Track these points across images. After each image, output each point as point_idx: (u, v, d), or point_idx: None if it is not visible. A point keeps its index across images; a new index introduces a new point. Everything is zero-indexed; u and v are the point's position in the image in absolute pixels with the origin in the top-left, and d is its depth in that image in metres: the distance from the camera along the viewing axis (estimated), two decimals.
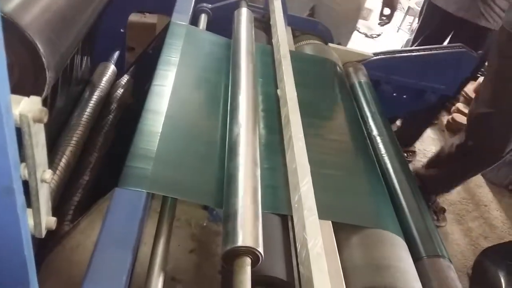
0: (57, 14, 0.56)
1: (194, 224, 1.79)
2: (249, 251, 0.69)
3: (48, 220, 0.41)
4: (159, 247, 0.75)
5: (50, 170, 0.38)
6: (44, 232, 0.41)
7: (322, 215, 0.76)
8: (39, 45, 0.49)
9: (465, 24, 2.00)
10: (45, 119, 0.33)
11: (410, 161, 2.51)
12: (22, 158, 0.35)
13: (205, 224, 1.80)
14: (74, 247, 1.52)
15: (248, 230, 0.71)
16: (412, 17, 4.19)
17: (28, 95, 0.34)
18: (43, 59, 0.49)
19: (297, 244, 0.71)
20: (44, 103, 0.55)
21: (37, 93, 0.50)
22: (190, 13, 1.41)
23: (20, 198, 0.33)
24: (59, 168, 1.09)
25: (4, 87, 0.27)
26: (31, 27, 0.48)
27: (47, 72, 0.50)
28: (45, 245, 0.98)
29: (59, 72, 0.58)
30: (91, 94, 1.34)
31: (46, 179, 0.37)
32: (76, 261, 1.51)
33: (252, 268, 0.68)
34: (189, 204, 1.83)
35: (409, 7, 4.18)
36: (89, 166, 1.21)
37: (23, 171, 0.35)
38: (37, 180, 0.36)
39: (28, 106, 0.32)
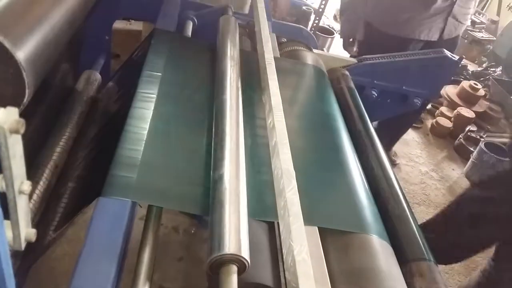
0: (38, 22, 0.55)
1: (182, 232, 1.79)
2: (235, 259, 0.68)
3: (27, 232, 0.40)
4: (145, 256, 0.74)
5: (28, 181, 0.37)
6: (23, 245, 0.40)
7: (308, 221, 0.76)
8: (16, 54, 0.48)
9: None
10: (22, 130, 0.33)
11: (394, 166, 2.53)
12: None
13: (193, 231, 1.80)
14: (60, 257, 1.51)
15: (234, 237, 0.71)
16: None
17: (5, 105, 0.33)
18: (21, 68, 0.48)
19: (283, 250, 0.71)
20: (26, 111, 0.55)
21: (16, 103, 0.50)
22: (175, 20, 1.42)
23: None
24: (43, 177, 1.07)
25: None
26: (9, 36, 0.48)
27: (25, 81, 0.49)
28: (30, 255, 0.96)
29: (39, 80, 0.57)
30: (75, 102, 1.32)
31: (24, 190, 0.37)
32: (62, 271, 1.49)
33: (238, 275, 0.68)
34: (177, 212, 1.82)
35: None
36: (74, 174, 1.19)
37: (0, 183, 0.34)
38: (14, 192, 0.36)
39: (5, 117, 0.32)
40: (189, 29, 1.46)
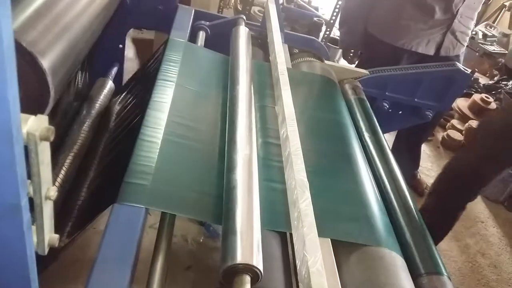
0: (61, 33, 0.57)
1: (190, 240, 1.79)
2: (249, 269, 0.68)
3: (51, 237, 0.41)
4: (158, 264, 0.74)
5: (54, 187, 0.38)
6: (47, 249, 0.41)
7: (321, 233, 0.76)
8: (43, 64, 0.49)
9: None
10: (52, 138, 0.34)
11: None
12: (28, 175, 0.35)
13: (201, 240, 1.80)
14: (71, 263, 1.51)
15: (247, 247, 0.71)
16: None
17: (31, 113, 0.34)
18: (47, 78, 0.49)
19: (296, 262, 0.71)
20: None
21: (40, 111, 0.51)
22: (188, 30, 1.43)
23: (26, 215, 0.33)
24: (57, 183, 1.08)
25: (15, 107, 0.27)
26: (36, 46, 0.49)
27: (51, 91, 0.50)
28: (41, 261, 0.97)
29: (62, 90, 0.59)
30: (89, 109, 1.34)
31: (51, 196, 0.38)
32: (73, 277, 1.50)
33: (251, 286, 0.67)
34: (185, 220, 1.82)
35: None
36: (87, 181, 1.20)
37: (29, 189, 0.35)
38: (42, 197, 0.36)
39: (36, 125, 0.33)
40: (202, 39, 1.47)
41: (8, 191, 0.30)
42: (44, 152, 0.35)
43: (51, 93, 0.50)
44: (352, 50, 2.11)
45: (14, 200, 0.31)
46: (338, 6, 2.38)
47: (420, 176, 2.48)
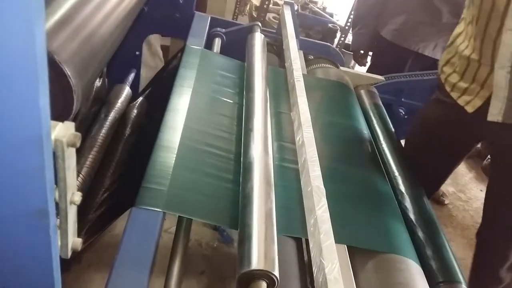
0: (85, 41, 0.58)
1: (205, 245, 1.79)
2: (265, 275, 0.69)
3: (74, 241, 0.42)
4: (175, 268, 0.75)
5: (79, 192, 0.39)
6: (70, 253, 0.41)
7: (337, 239, 0.76)
8: (68, 72, 0.51)
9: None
10: (78, 144, 0.34)
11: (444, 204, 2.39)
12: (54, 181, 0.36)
13: (215, 245, 1.80)
14: (85, 266, 1.53)
15: (264, 253, 0.71)
16: None
17: (54, 120, 0.35)
18: (72, 85, 0.51)
19: (313, 268, 0.71)
20: None
21: (64, 118, 0.52)
22: (204, 37, 1.45)
23: (52, 220, 0.34)
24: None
25: (46, 114, 0.28)
26: (61, 54, 0.50)
27: (75, 98, 0.51)
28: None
29: (85, 97, 0.60)
30: (107, 115, 1.36)
31: (75, 201, 0.38)
32: (86, 281, 1.51)
33: None
34: (200, 225, 1.83)
35: None
36: (104, 186, 1.22)
37: (54, 194, 0.36)
38: (67, 202, 0.37)
39: (63, 131, 0.34)
40: (218, 46, 1.49)
41: (36, 196, 0.31)
42: (70, 158, 0.36)
43: (75, 100, 0.51)
44: (362, 51, 2.11)
45: (42, 205, 0.32)
46: (353, 12, 2.38)
47: None
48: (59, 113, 0.52)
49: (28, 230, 0.33)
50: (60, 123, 0.34)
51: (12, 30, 0.24)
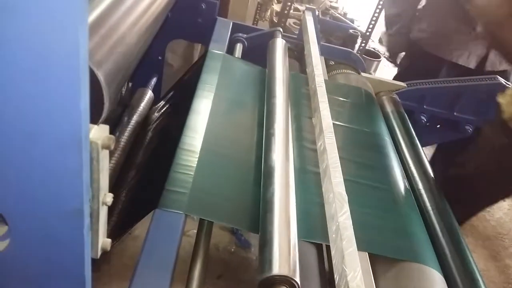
0: (115, 45, 0.60)
1: (222, 249, 1.80)
2: (286, 280, 0.68)
3: (104, 242, 0.42)
4: (196, 271, 0.76)
5: (111, 193, 0.40)
6: (99, 253, 0.42)
7: (359, 246, 0.76)
8: (100, 76, 0.52)
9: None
10: (112, 146, 0.35)
11: None
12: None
13: (233, 249, 1.81)
14: (106, 268, 1.55)
15: (285, 258, 0.71)
16: None
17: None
18: (103, 89, 0.52)
19: (335, 275, 0.71)
20: None
21: (94, 120, 0.53)
22: (226, 42, 1.46)
23: (87, 220, 0.35)
24: None
25: (86, 117, 0.29)
26: (93, 58, 0.52)
27: (105, 101, 0.53)
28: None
29: (115, 98, 0.61)
30: (130, 118, 1.38)
31: (107, 202, 0.39)
32: (107, 281, 1.53)
33: None
34: (218, 229, 1.83)
35: None
36: (125, 188, 1.24)
37: (89, 195, 0.37)
38: (99, 203, 0.38)
39: (98, 134, 0.35)
40: (240, 51, 1.50)
41: (74, 196, 0.32)
42: (104, 159, 0.37)
43: (106, 104, 0.53)
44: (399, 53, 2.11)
45: (78, 205, 0.33)
46: (374, 18, 2.37)
47: None
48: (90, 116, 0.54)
49: (64, 229, 0.34)
50: (96, 126, 0.35)
51: (58, 36, 0.25)
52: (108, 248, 0.43)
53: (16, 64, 0.27)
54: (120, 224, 1.15)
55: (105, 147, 0.35)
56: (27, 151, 0.30)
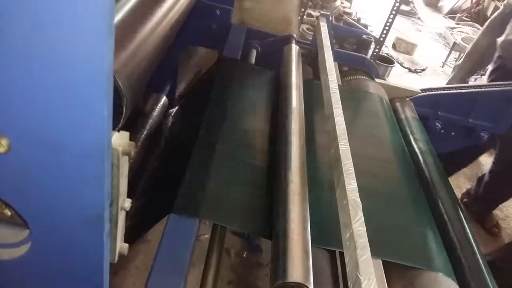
0: (135, 52, 0.61)
1: (233, 255, 1.80)
2: (300, 287, 0.68)
3: (121, 246, 0.43)
4: (209, 277, 0.76)
5: (129, 199, 0.40)
6: (117, 258, 0.43)
7: (373, 253, 0.75)
8: (119, 82, 0.53)
9: None
10: (132, 153, 0.36)
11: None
12: None
13: (244, 255, 1.80)
14: (117, 271, 1.56)
15: (298, 265, 0.71)
16: (458, 53, 4.12)
17: None
18: (122, 95, 0.53)
19: (349, 283, 0.70)
20: None
21: (115, 125, 0.54)
22: (241, 48, 1.47)
23: (107, 225, 0.35)
24: None
25: (109, 124, 0.30)
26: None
27: (124, 108, 0.54)
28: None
29: (134, 104, 0.63)
30: (144, 123, 1.40)
31: (126, 207, 0.40)
32: (118, 284, 1.54)
33: None
34: (229, 234, 1.83)
35: (454, 43, 4.13)
36: (139, 192, 1.25)
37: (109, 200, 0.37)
38: (118, 208, 0.39)
39: (119, 140, 0.35)
40: (253, 57, 1.50)
41: (95, 202, 0.33)
42: (124, 166, 0.37)
43: (125, 110, 0.54)
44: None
45: (99, 211, 0.33)
46: (388, 24, 2.36)
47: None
48: None
49: (85, 234, 0.35)
50: (116, 133, 0.36)
51: (84, 47, 0.25)
52: (126, 253, 0.44)
53: (42, 74, 0.28)
54: (134, 228, 1.16)
55: (126, 153, 0.35)
56: (52, 159, 0.30)
